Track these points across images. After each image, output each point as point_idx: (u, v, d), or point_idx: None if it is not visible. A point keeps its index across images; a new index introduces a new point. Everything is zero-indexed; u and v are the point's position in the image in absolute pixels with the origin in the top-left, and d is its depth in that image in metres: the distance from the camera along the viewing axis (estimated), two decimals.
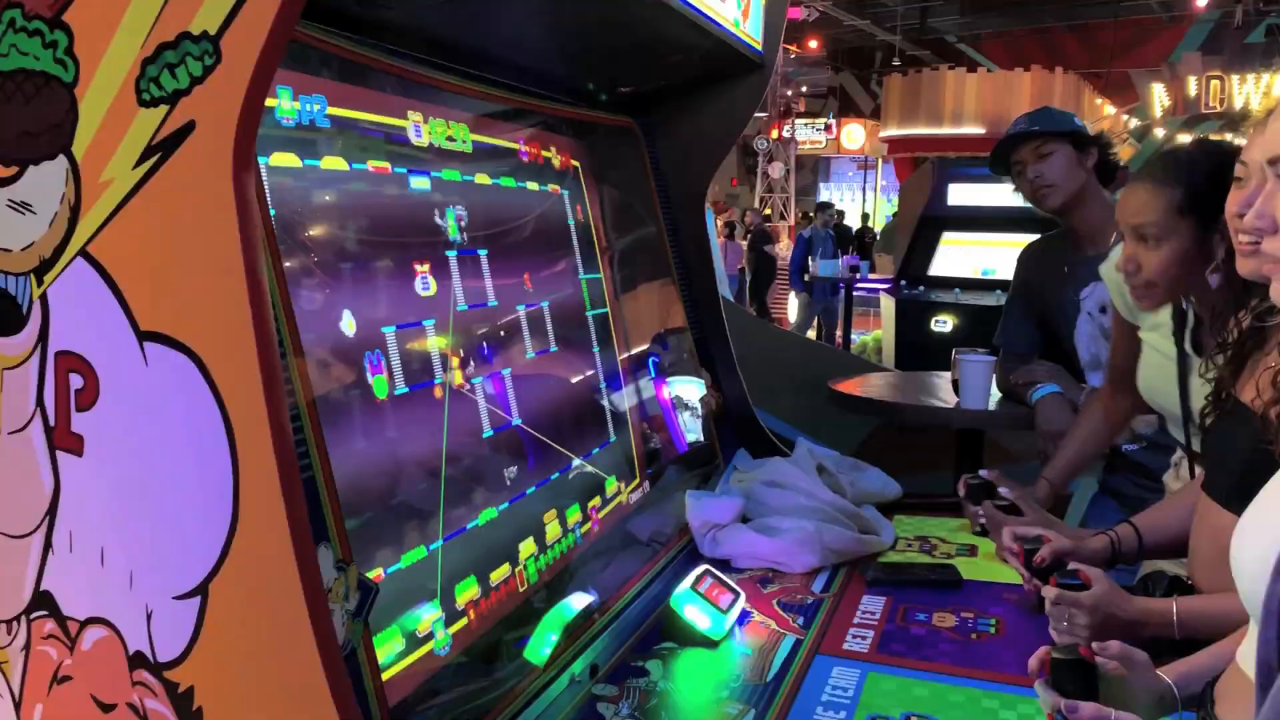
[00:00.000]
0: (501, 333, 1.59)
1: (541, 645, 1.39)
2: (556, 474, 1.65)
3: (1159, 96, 14.61)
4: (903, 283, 7.01)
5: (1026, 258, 2.69)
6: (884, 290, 7.64)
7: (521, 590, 1.46)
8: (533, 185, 1.78)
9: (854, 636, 1.53)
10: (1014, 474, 3.04)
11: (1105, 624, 1.38)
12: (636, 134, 2.10)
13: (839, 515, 1.84)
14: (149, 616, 0.93)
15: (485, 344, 1.53)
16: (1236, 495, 1.47)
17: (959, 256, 6.99)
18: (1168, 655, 1.28)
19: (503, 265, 1.60)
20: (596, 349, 1.90)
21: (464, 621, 1.31)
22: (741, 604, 1.55)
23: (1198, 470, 1.82)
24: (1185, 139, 15.16)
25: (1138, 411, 2.10)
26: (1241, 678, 1.10)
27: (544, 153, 1.82)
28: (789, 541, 1.75)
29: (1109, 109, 15.16)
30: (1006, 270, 7.60)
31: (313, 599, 0.87)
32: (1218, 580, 1.48)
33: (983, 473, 2.03)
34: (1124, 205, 1.79)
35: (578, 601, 1.51)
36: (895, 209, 11.71)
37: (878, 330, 8.43)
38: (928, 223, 7.18)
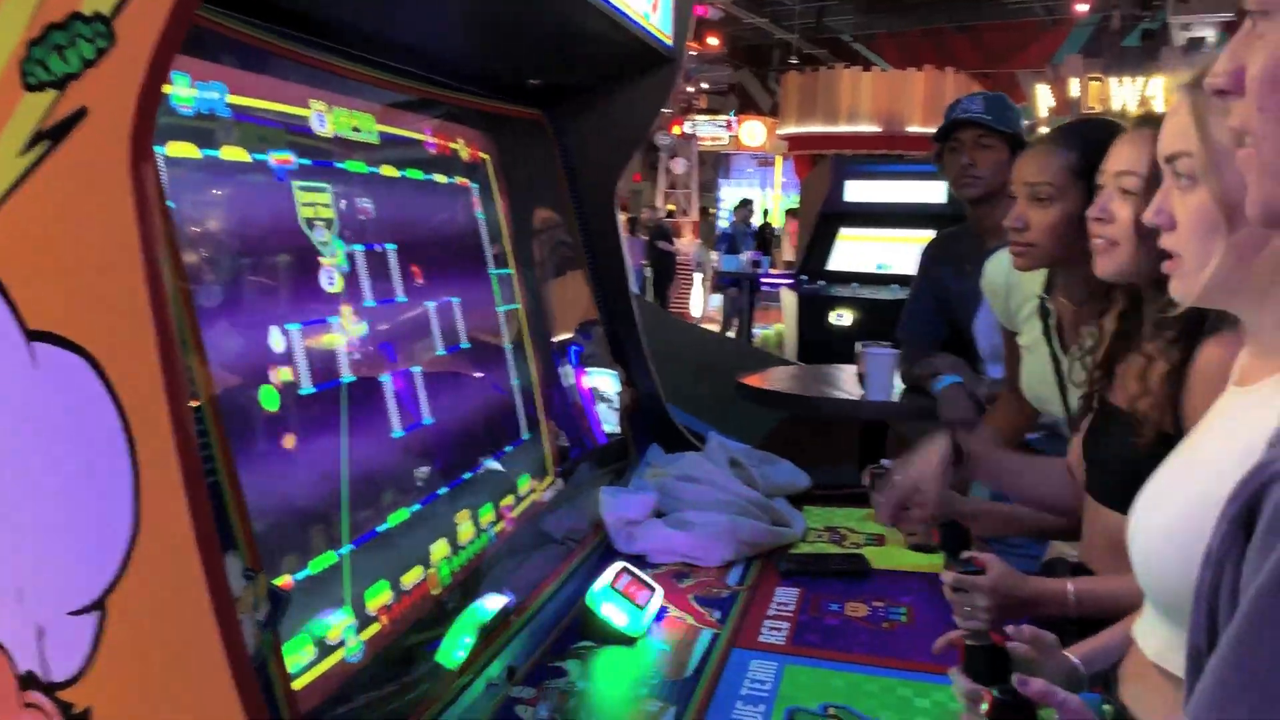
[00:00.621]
0: (410, 329, 1.55)
1: (456, 649, 1.36)
2: (468, 473, 1.61)
3: (1044, 97, 15.15)
4: (803, 278, 7.12)
5: (931, 250, 2.75)
6: (785, 285, 7.75)
7: (435, 593, 1.43)
8: (440, 178, 1.74)
9: (770, 629, 1.54)
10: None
11: (1005, 605, 1.42)
12: (547, 127, 2.08)
13: (752, 508, 1.85)
14: (40, 634, 0.87)
15: (393, 341, 1.49)
16: (1119, 496, 1.52)
17: (857, 252, 7.13)
18: (1073, 638, 1.32)
19: (410, 260, 1.56)
20: (508, 345, 1.87)
21: (376, 627, 1.27)
22: (659, 600, 1.54)
23: None
24: None
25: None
26: (1141, 660, 1.14)
27: (452, 145, 1.78)
28: (704, 535, 1.75)
29: None
30: (903, 265, 7.81)
31: (221, 610, 0.83)
32: (1114, 568, 1.53)
33: (885, 462, 2.07)
34: (1022, 165, 1.87)
35: (492, 603, 1.48)
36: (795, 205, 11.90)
37: (779, 324, 8.55)
38: (826, 219, 7.32)
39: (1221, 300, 1.07)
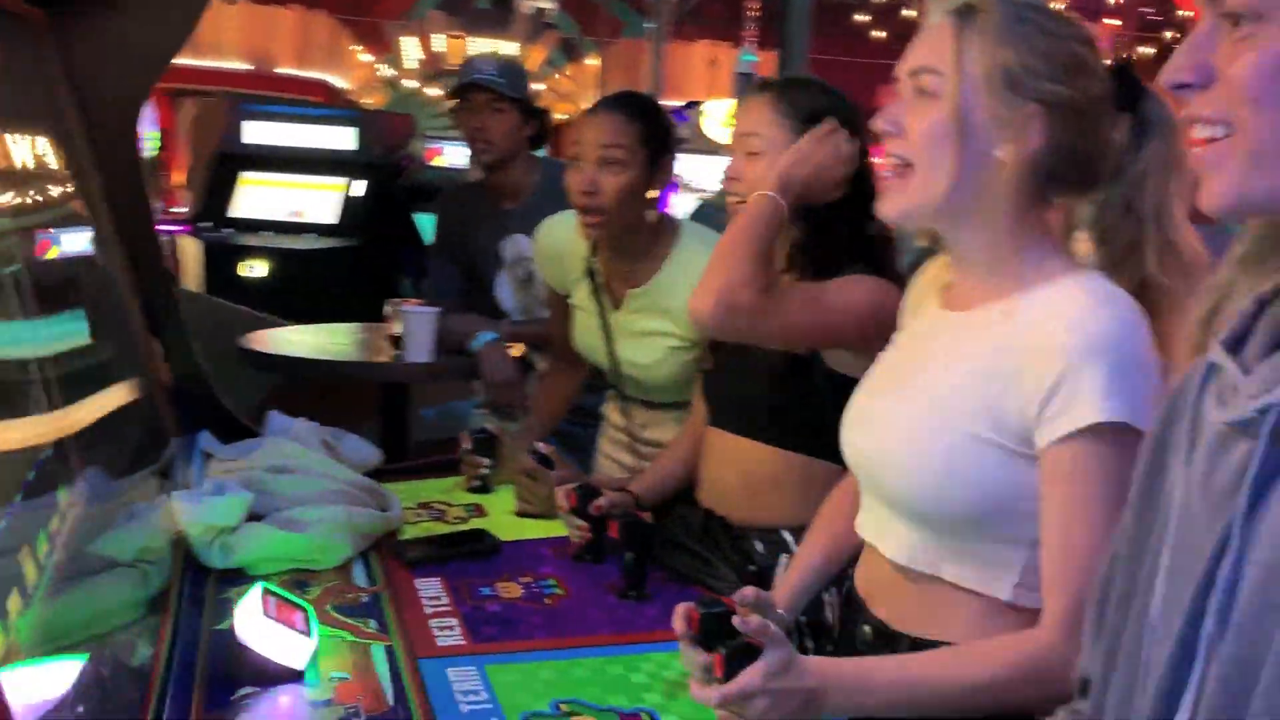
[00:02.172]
0: None
1: None
2: None
3: (410, 49, 15.54)
4: (207, 225, 6.48)
5: (447, 207, 2.70)
6: (184, 232, 6.99)
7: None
8: None
9: (441, 630, 1.38)
10: (446, 415, 3.04)
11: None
12: (46, 30, 1.57)
13: (361, 494, 1.64)
14: None
15: None
16: (755, 425, 1.64)
17: (265, 198, 6.66)
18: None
19: None
20: None
21: None
22: (314, 619, 1.29)
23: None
24: (432, 91, 16.41)
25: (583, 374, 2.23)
26: (887, 575, 1.20)
27: None
28: (321, 533, 1.51)
29: (365, 57, 15.67)
30: (317, 213, 7.50)
31: None
32: (746, 500, 1.64)
33: (489, 427, 1.99)
34: (593, 130, 1.88)
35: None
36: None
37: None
38: (225, 162, 6.72)
39: (939, 219, 1.15)
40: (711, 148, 12.85)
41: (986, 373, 1.10)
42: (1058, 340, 1.05)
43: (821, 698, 1.05)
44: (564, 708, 1.20)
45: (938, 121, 1.09)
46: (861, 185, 1.57)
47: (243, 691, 1.18)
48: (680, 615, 1.14)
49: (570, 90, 18.46)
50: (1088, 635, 0.86)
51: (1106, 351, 1.03)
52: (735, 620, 1.07)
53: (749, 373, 1.65)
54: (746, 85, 7.34)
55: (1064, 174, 1.11)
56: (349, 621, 1.38)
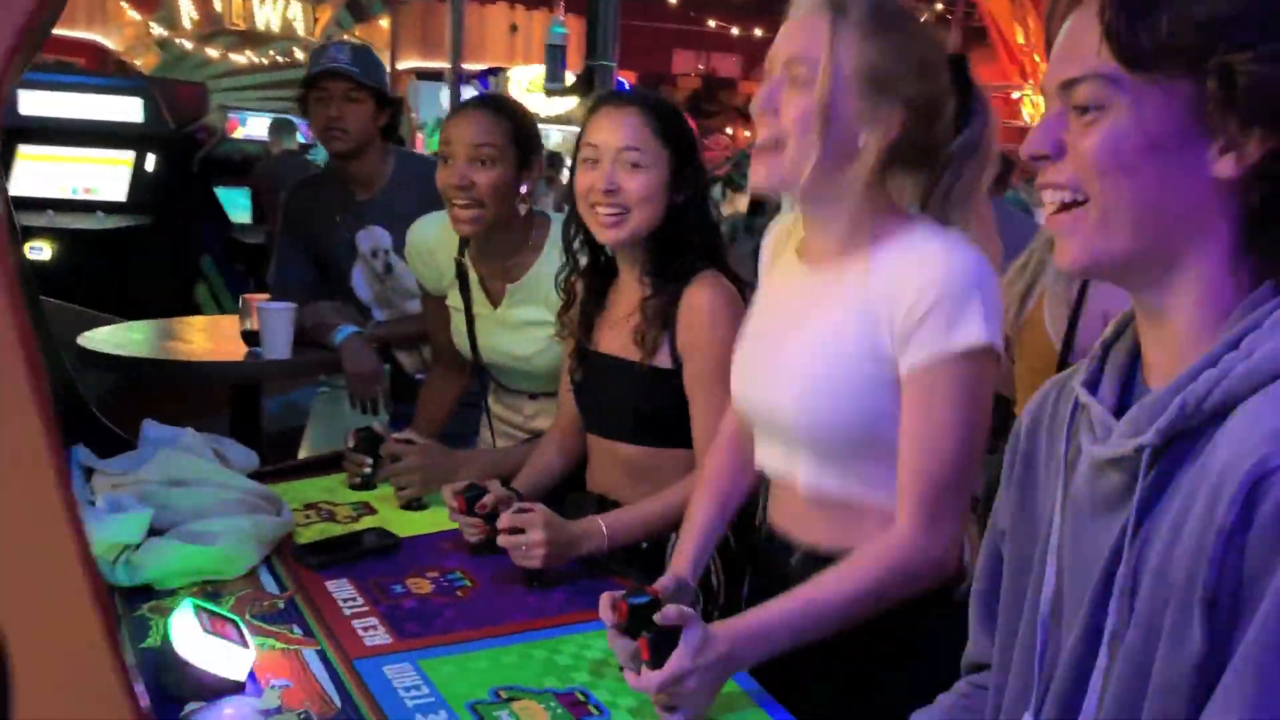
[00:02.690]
0: None
1: None
2: None
3: (186, 7, 14.66)
4: None
5: (295, 197, 2.65)
6: None
7: None
8: None
9: (365, 630, 1.43)
10: (287, 407, 3.00)
11: (554, 545, 1.56)
12: None
13: (260, 501, 1.65)
14: None
15: None
16: (628, 430, 1.76)
17: (46, 174, 6.21)
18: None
19: None
20: None
21: None
22: (245, 629, 1.32)
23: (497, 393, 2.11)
24: (211, 51, 15.48)
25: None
26: (799, 507, 1.37)
27: None
28: (229, 544, 1.52)
29: (135, 14, 14.66)
30: (106, 190, 7.07)
31: None
32: (631, 488, 1.76)
33: (374, 424, 2.01)
34: (464, 129, 1.94)
35: None
36: None
37: None
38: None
39: (802, 195, 1.31)
40: None
41: (861, 312, 1.28)
42: (924, 276, 1.23)
43: (735, 657, 1.21)
44: (504, 694, 1.28)
45: (809, 109, 1.25)
46: (699, 186, 1.70)
47: (191, 708, 1.20)
48: (608, 606, 1.26)
49: None
50: (976, 624, 1.04)
51: (969, 283, 1.23)
52: (656, 615, 1.20)
53: (615, 384, 1.75)
54: (557, 56, 7.38)
55: (911, 158, 1.30)
56: (272, 629, 1.41)
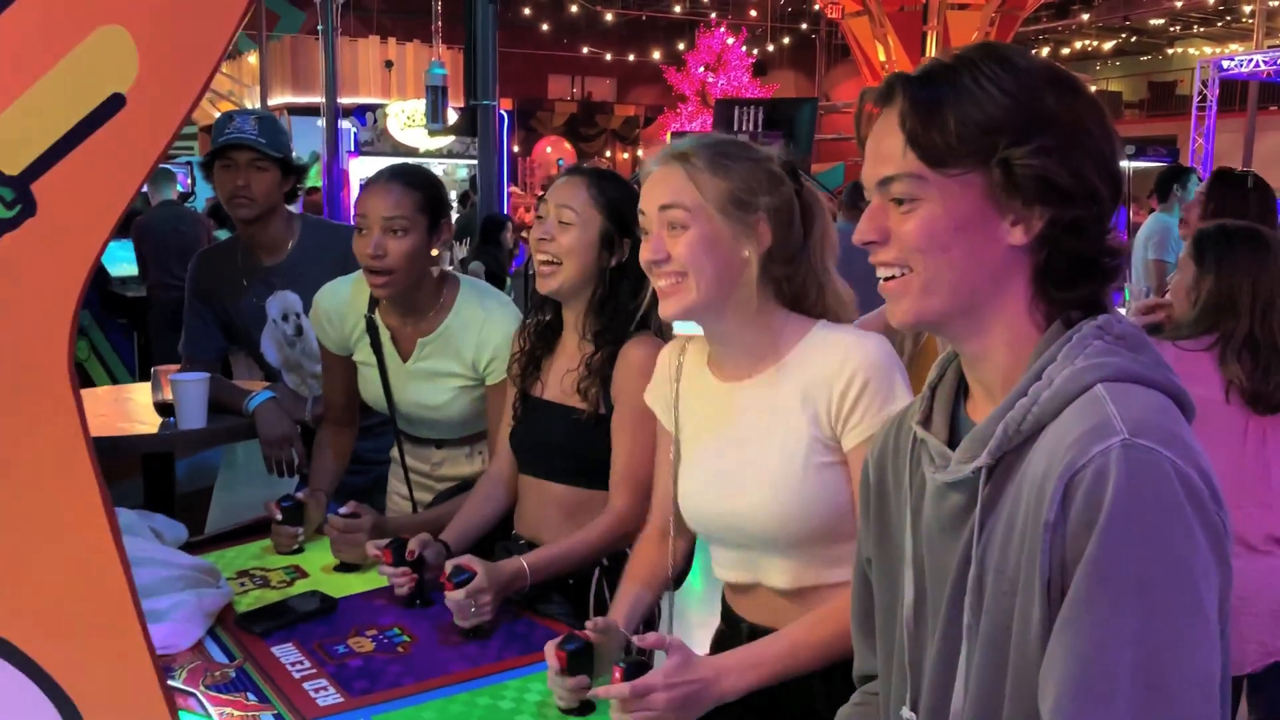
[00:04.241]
0: None
1: None
2: None
3: None
4: None
5: (202, 265, 2.69)
6: None
7: None
8: None
9: (317, 691, 1.53)
10: (195, 469, 3.01)
11: (498, 592, 1.69)
12: None
13: (201, 576, 1.73)
14: None
15: None
16: (563, 470, 1.90)
17: None
18: None
19: None
20: None
21: None
22: (204, 700, 1.41)
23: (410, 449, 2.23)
24: None
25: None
26: (771, 600, 1.51)
27: None
28: (179, 621, 1.60)
29: None
30: None
31: None
32: (562, 528, 1.88)
33: (298, 494, 2.09)
34: (377, 201, 2.05)
35: None
36: None
37: None
38: None
39: (705, 317, 1.49)
40: (396, 148, 12.83)
41: (793, 415, 1.44)
42: (848, 364, 1.41)
43: (716, 684, 1.34)
44: None
45: (695, 242, 1.43)
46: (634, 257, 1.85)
47: None
48: (551, 655, 1.40)
49: (230, 89, 17.54)
50: (859, 641, 1.21)
51: (889, 363, 1.42)
52: (635, 638, 1.33)
53: (555, 428, 1.89)
54: (438, 96, 7.45)
55: (782, 258, 1.48)
56: (228, 698, 1.49)
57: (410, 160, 12.67)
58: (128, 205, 0.74)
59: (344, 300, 2.21)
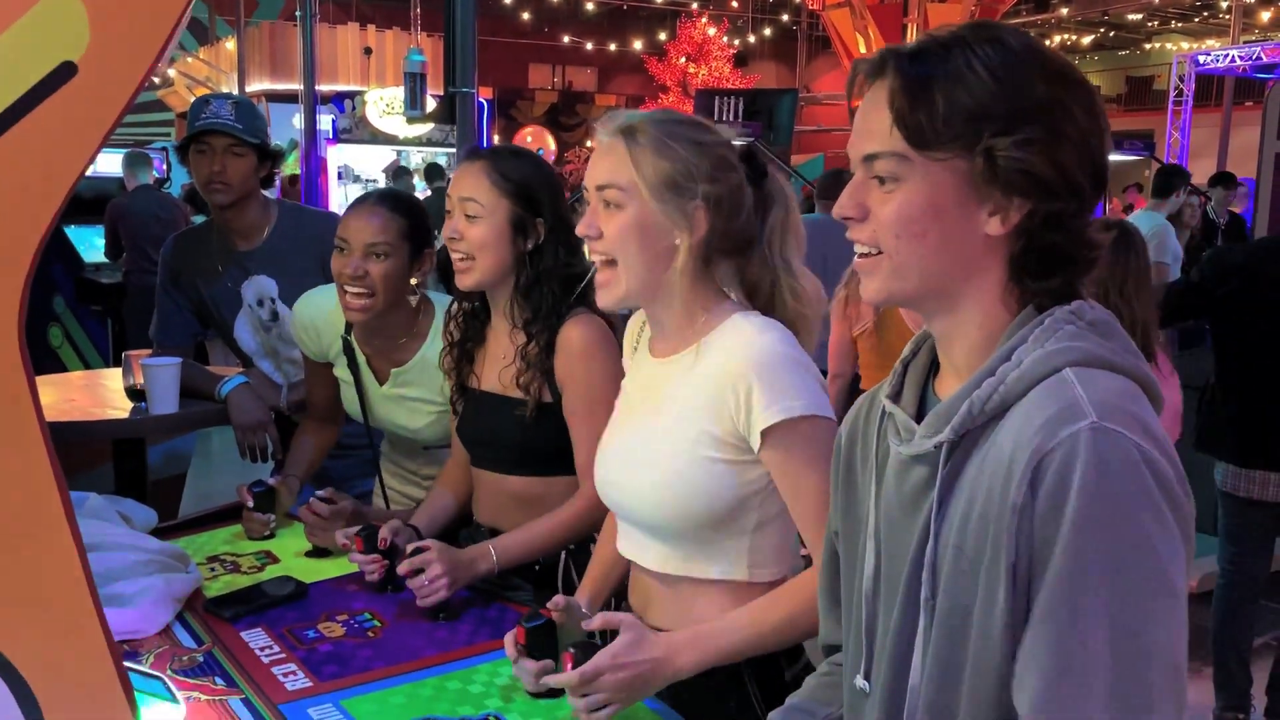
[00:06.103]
0: None
1: None
2: None
3: None
4: None
5: (176, 249, 2.67)
6: None
7: None
8: None
9: (285, 675, 1.52)
10: (169, 455, 2.99)
11: (454, 572, 1.68)
12: None
13: (169, 560, 1.72)
14: None
15: None
16: (511, 462, 1.89)
17: None
18: None
19: None
20: None
21: None
22: (171, 684, 1.40)
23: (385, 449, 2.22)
24: None
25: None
26: (648, 584, 1.51)
27: None
28: (147, 605, 1.59)
29: None
30: None
31: None
32: (520, 515, 1.87)
33: (269, 480, 2.07)
34: (362, 224, 2.02)
35: None
36: None
37: None
38: None
39: (640, 298, 1.46)
40: (374, 136, 12.74)
41: (694, 403, 1.42)
42: (737, 363, 1.38)
43: (669, 662, 1.33)
44: None
45: (626, 225, 1.41)
46: (560, 232, 1.81)
47: None
48: (510, 635, 1.40)
49: (207, 74, 17.37)
50: (825, 612, 1.21)
51: (776, 363, 1.38)
52: (585, 622, 1.32)
53: (498, 420, 1.87)
54: (416, 84, 7.42)
55: (723, 248, 1.45)
56: (195, 682, 1.49)
57: (389, 149, 12.62)
58: (79, 175, 0.73)
59: (322, 314, 2.17)
